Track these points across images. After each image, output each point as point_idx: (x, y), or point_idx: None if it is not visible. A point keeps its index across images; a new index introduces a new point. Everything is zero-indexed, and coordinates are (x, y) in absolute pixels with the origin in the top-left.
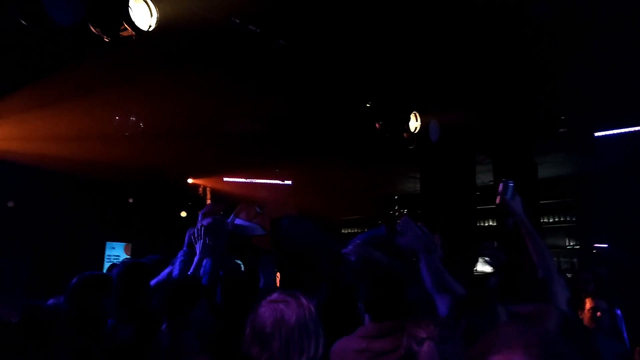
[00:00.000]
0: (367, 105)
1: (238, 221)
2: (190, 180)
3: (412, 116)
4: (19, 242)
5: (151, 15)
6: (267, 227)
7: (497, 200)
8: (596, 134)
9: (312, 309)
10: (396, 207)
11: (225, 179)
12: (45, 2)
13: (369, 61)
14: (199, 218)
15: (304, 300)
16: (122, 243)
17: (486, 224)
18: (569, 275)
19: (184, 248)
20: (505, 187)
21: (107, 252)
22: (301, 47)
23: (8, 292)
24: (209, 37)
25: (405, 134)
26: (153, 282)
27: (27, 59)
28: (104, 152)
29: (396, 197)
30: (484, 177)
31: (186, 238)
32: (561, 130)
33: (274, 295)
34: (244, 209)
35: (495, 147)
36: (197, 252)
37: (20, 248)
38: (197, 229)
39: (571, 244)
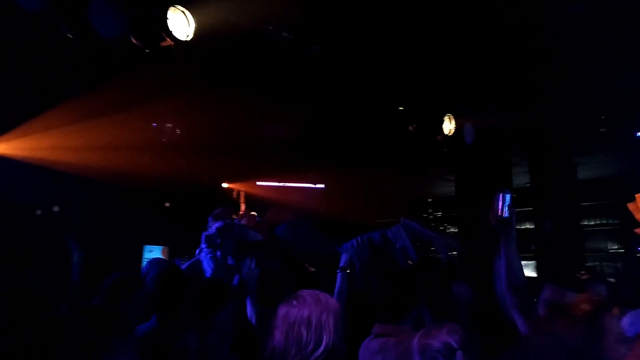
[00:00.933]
0: (400, 108)
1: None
2: (225, 185)
3: (447, 118)
4: (67, 245)
5: (189, 25)
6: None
7: (499, 213)
8: (638, 134)
9: (331, 308)
10: (430, 210)
11: (258, 183)
12: (90, 16)
13: (402, 64)
14: (209, 221)
15: (322, 299)
16: (159, 246)
17: (523, 227)
18: (612, 280)
19: (203, 247)
20: (504, 199)
21: (145, 255)
22: (334, 52)
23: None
24: (243, 45)
25: (439, 137)
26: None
27: (71, 72)
28: (143, 159)
29: (430, 200)
30: (520, 179)
31: (202, 239)
32: (601, 130)
33: (299, 292)
34: (274, 214)
35: (531, 148)
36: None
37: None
38: (212, 232)
39: (614, 247)
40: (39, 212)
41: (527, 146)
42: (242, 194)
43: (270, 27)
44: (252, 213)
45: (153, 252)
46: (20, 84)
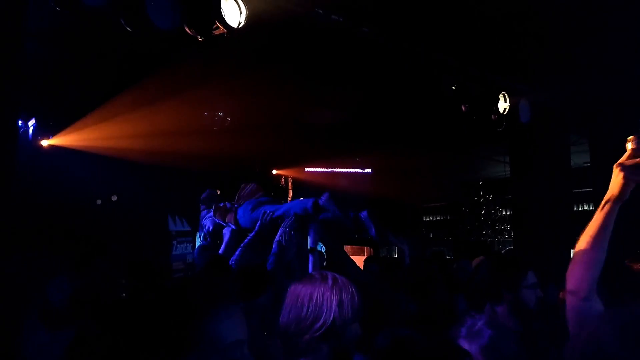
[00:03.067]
0: (453, 87)
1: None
2: (274, 171)
3: (501, 97)
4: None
5: (240, 13)
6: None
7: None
8: None
9: (337, 287)
10: (480, 193)
11: (306, 169)
12: (148, 9)
13: (454, 42)
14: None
15: (330, 278)
16: None
17: (582, 209)
18: None
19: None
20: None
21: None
22: (384, 33)
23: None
24: (292, 29)
25: (493, 116)
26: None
27: (126, 64)
28: (195, 146)
29: (481, 182)
30: (579, 158)
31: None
32: None
33: (315, 272)
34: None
35: (591, 125)
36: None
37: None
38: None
39: None
40: (99, 201)
41: (587, 123)
42: (289, 181)
43: (319, 11)
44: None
45: None
46: (80, 79)
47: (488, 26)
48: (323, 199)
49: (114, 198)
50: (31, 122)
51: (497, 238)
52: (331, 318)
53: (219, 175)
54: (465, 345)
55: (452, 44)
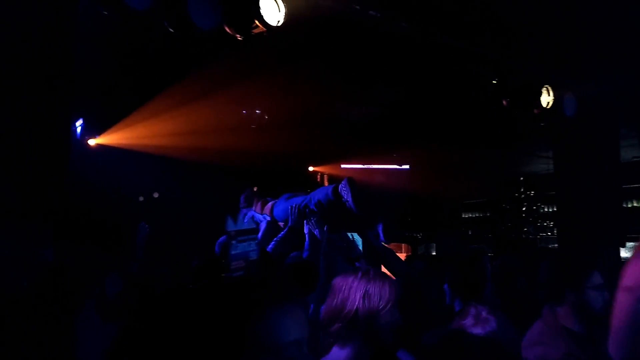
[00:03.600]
0: (494, 82)
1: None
2: (310, 168)
3: (544, 90)
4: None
5: (279, 11)
6: None
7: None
8: None
9: (365, 279)
10: (521, 189)
11: (343, 166)
12: (189, 10)
13: (495, 34)
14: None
15: (362, 272)
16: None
17: (632, 205)
18: None
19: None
20: None
21: None
22: (422, 27)
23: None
24: (329, 25)
25: (535, 110)
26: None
27: (167, 63)
28: (234, 143)
29: (522, 178)
30: (628, 152)
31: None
32: None
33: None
34: None
35: None
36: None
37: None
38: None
39: None
40: (141, 198)
41: (637, 116)
42: (325, 178)
43: (356, 6)
44: None
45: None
46: (123, 79)
47: (529, 16)
48: (343, 184)
49: (156, 195)
50: (79, 122)
51: (539, 235)
52: (354, 308)
53: (256, 173)
54: (477, 331)
55: (492, 37)
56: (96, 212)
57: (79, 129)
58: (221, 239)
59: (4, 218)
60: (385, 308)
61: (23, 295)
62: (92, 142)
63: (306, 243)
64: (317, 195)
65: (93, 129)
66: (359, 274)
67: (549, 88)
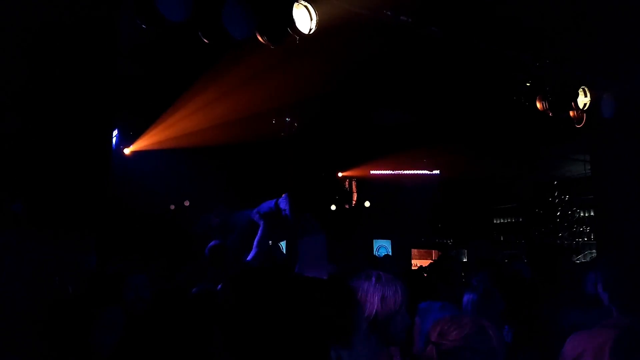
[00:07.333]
0: (527, 84)
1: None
2: (339, 174)
3: (581, 91)
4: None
5: (311, 19)
6: None
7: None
8: None
9: (380, 285)
10: (555, 193)
11: (372, 172)
12: (225, 21)
13: (528, 35)
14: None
15: (374, 279)
16: None
17: None
18: None
19: None
20: None
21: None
22: (454, 32)
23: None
24: (361, 31)
25: (571, 112)
26: None
27: (194, 71)
28: (262, 151)
29: (555, 182)
30: None
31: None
32: None
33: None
34: None
35: None
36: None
37: None
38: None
39: None
40: (172, 206)
41: None
42: (354, 184)
43: (388, 12)
44: None
45: None
46: (151, 88)
47: (566, 17)
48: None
49: (187, 203)
50: (114, 133)
51: (575, 241)
52: (374, 311)
53: (286, 178)
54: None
55: (525, 39)
56: (136, 218)
57: (114, 140)
58: (211, 243)
59: (50, 226)
60: (400, 310)
61: (68, 300)
62: (127, 150)
63: (253, 252)
64: (262, 208)
65: (128, 138)
66: (372, 279)
67: (586, 89)
